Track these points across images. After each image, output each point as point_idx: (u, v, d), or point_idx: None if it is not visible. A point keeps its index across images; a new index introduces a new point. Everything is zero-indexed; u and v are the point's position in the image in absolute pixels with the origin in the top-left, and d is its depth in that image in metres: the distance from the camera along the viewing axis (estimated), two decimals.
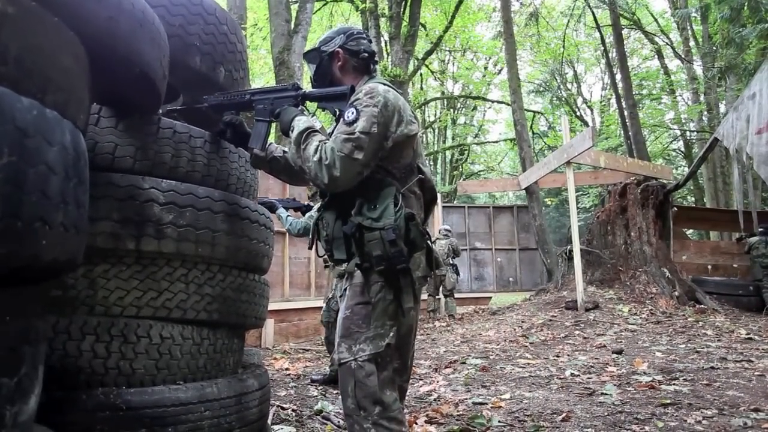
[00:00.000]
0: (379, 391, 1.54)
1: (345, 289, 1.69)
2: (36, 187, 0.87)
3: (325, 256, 1.90)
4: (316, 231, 1.73)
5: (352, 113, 1.57)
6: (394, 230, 1.49)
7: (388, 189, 1.58)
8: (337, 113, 1.72)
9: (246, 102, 1.86)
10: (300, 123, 1.68)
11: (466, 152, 23.92)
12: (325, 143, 1.57)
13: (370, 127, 1.54)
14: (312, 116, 1.81)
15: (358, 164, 1.53)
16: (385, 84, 1.71)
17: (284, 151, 1.93)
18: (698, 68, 17.68)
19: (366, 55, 1.82)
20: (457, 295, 10.85)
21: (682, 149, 20.93)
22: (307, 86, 1.94)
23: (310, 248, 1.79)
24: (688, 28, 17.36)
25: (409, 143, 1.68)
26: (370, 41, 1.88)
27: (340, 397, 2.04)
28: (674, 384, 3.65)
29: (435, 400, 3.43)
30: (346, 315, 1.63)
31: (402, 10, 12.92)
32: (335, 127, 1.67)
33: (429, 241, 1.67)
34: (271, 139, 1.92)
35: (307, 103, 1.85)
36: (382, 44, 14.99)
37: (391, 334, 1.59)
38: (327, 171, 1.53)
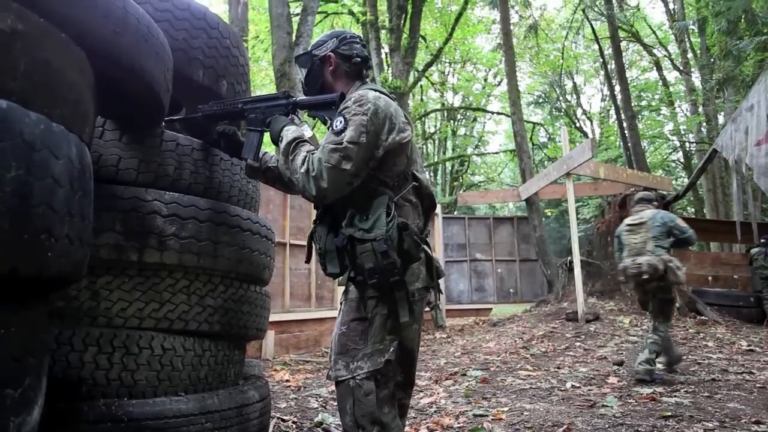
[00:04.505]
0: (378, 411, 1.50)
1: (341, 304, 1.65)
2: (42, 199, 0.88)
3: None
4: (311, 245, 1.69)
5: (340, 122, 1.51)
6: (386, 241, 1.43)
7: (381, 198, 1.52)
8: (328, 122, 1.66)
9: (238, 111, 1.83)
10: (288, 133, 1.64)
11: (466, 163, 23.94)
12: (312, 154, 1.53)
13: (359, 136, 1.49)
14: (304, 124, 1.79)
15: (347, 175, 1.48)
16: (376, 90, 1.65)
17: (278, 161, 1.91)
18: (696, 80, 17.77)
19: (359, 59, 1.75)
20: (457, 307, 10.85)
21: (682, 160, 20.96)
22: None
23: (307, 262, 1.75)
24: (686, 40, 17.46)
25: (402, 150, 1.61)
26: (364, 45, 1.83)
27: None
28: (675, 396, 3.64)
29: (435, 411, 3.41)
30: (342, 331, 1.58)
31: (402, 22, 13.01)
32: None
33: (428, 250, 1.60)
34: (267, 148, 1.91)
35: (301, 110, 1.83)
36: (383, 56, 15.06)
37: (391, 349, 1.54)
38: (314, 182, 1.48)
